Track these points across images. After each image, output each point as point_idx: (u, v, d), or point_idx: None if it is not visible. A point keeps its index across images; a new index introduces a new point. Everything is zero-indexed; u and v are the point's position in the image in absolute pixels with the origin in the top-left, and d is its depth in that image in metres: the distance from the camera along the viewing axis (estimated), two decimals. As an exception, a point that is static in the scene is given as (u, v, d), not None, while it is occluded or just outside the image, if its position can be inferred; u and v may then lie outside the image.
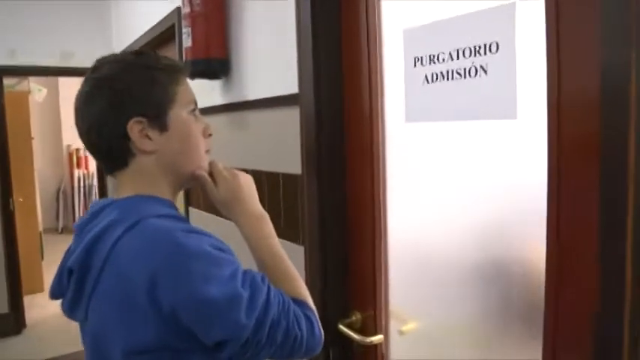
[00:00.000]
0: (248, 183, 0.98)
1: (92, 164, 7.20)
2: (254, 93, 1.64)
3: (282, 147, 1.48)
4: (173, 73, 0.90)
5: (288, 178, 1.45)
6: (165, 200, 0.89)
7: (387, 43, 1.20)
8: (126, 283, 0.76)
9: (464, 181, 1.06)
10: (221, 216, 1.00)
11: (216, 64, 1.73)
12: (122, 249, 0.78)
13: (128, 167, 0.88)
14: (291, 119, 1.41)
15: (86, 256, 0.82)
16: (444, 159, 1.09)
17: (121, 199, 0.88)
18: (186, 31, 1.72)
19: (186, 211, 2.24)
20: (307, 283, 1.36)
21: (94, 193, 7.19)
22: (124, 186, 0.90)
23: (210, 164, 0.97)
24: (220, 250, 0.79)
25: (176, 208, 0.91)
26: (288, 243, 1.43)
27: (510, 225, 0.97)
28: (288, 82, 1.41)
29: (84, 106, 0.88)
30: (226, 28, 1.75)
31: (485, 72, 0.97)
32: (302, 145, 1.35)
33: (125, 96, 0.86)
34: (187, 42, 1.71)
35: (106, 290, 0.80)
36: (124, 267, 0.77)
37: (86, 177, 7.59)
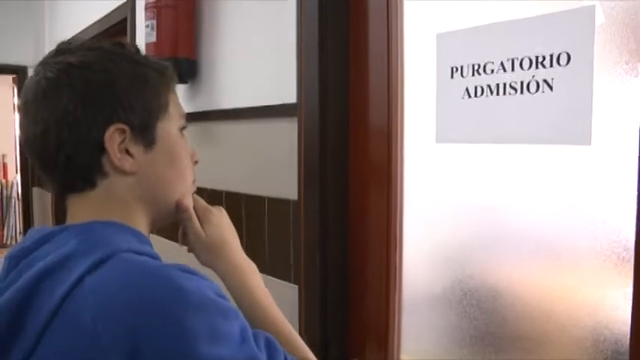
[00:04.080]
0: (230, 222, 0.80)
1: (12, 171, 6.48)
2: (230, 101, 1.41)
3: (268, 166, 1.26)
4: (165, 76, 0.70)
5: (277, 203, 1.23)
6: (140, 234, 0.66)
7: (412, 48, 1.02)
8: (89, 344, 0.52)
9: (506, 215, 0.90)
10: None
11: (184, 64, 1.49)
12: (85, 294, 0.54)
13: (94, 190, 0.65)
14: (282, 133, 1.20)
15: (24, 300, 0.57)
16: (483, 188, 0.92)
17: (81, 224, 0.63)
18: (149, 23, 1.47)
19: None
20: (302, 330, 1.15)
21: (14, 206, 6.47)
22: (81, 213, 0.65)
23: (193, 198, 0.76)
24: (222, 297, 0.59)
25: (150, 244, 0.68)
26: (276, 281, 1.21)
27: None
28: (280, 90, 1.20)
29: (41, 99, 0.64)
30: (196, 24, 1.51)
31: (551, 88, 0.81)
32: (300, 165, 1.13)
33: (107, 92, 0.64)
34: (151, 37, 1.46)
35: (55, 354, 0.54)
36: (87, 320, 0.53)
37: (4, 187, 6.84)
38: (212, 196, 1.43)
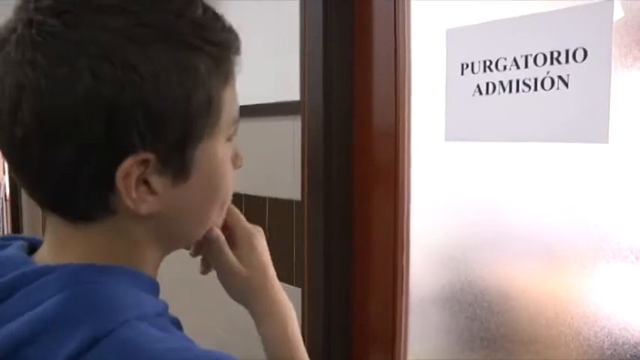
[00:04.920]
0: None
1: (-2, 173, 6.38)
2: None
3: (271, 165, 1.23)
4: (226, 55, 0.47)
5: (278, 203, 1.20)
6: (145, 277, 0.48)
7: (419, 45, 1.00)
8: None
9: (520, 218, 0.88)
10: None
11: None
12: None
13: (94, 224, 0.45)
14: (285, 132, 1.17)
15: None
16: (494, 188, 0.90)
17: (70, 268, 0.43)
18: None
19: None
20: (305, 334, 1.12)
21: (1, 209, 6.34)
22: (76, 245, 0.46)
23: (230, 214, 0.59)
24: None
25: (158, 291, 0.50)
26: (278, 283, 1.18)
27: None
28: (282, 88, 1.17)
29: (29, 88, 0.40)
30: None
31: (566, 84, 0.79)
32: (304, 165, 1.10)
33: (126, 104, 0.40)
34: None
35: None
36: None
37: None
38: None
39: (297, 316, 1.12)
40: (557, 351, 0.83)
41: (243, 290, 0.60)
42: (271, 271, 0.62)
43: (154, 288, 0.49)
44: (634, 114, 0.74)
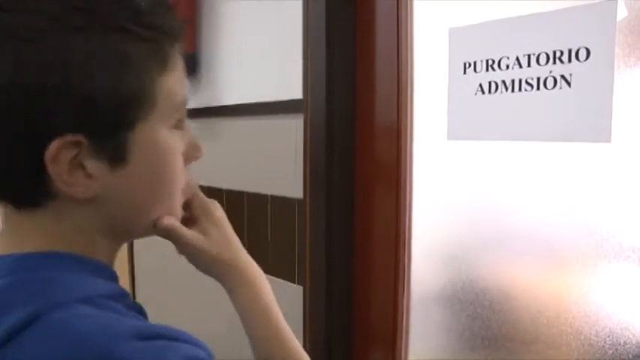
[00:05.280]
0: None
1: None
2: (232, 97, 1.38)
3: (272, 164, 1.23)
4: (164, 40, 0.47)
5: (280, 201, 1.20)
6: (99, 264, 0.49)
7: (422, 44, 1.00)
8: None
9: (522, 216, 0.88)
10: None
11: (183, 58, 1.45)
12: None
13: (39, 210, 0.46)
14: (287, 130, 1.17)
15: None
16: (496, 187, 0.90)
17: (20, 255, 0.45)
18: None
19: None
20: (306, 331, 1.12)
21: None
22: (25, 232, 0.47)
23: (195, 198, 0.61)
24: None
25: (116, 277, 0.51)
26: (279, 281, 1.18)
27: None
28: (285, 87, 1.17)
29: None
30: (198, 17, 1.48)
31: (569, 84, 0.78)
32: (305, 164, 1.10)
33: (56, 77, 0.41)
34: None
35: None
36: None
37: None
38: (212, 195, 1.40)
39: (299, 314, 1.13)
40: (558, 350, 0.83)
41: (209, 265, 0.60)
42: (234, 242, 0.61)
43: (105, 272, 0.49)
44: (637, 113, 0.74)
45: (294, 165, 1.14)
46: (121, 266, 1.91)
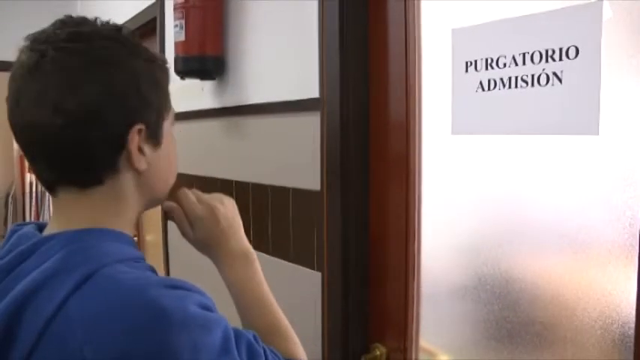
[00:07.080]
0: (229, 215, 0.79)
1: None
2: (256, 96, 1.47)
3: (293, 158, 1.32)
4: (166, 70, 0.70)
5: (301, 194, 1.29)
6: (124, 235, 0.66)
7: (428, 44, 1.06)
8: None
9: (521, 205, 0.94)
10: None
11: (211, 62, 1.55)
12: (71, 317, 0.55)
13: (99, 187, 0.64)
14: (306, 127, 1.25)
15: (12, 321, 0.56)
16: (497, 179, 0.96)
17: (67, 232, 0.62)
18: (178, 23, 1.53)
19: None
20: (325, 315, 1.21)
21: (47, 199, 6.72)
22: (76, 211, 0.64)
23: (180, 196, 0.78)
24: (207, 308, 0.60)
25: (136, 244, 0.69)
26: (300, 268, 1.27)
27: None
28: (303, 86, 1.26)
29: (63, 86, 0.59)
30: (223, 23, 1.58)
31: (560, 80, 0.84)
32: (322, 158, 1.19)
33: (132, 89, 0.62)
34: (180, 36, 1.53)
35: None
36: (73, 345, 0.54)
37: (39, 182, 7.11)
38: (238, 188, 1.50)
39: (318, 298, 1.21)
40: (554, 331, 0.89)
41: (198, 247, 0.80)
42: (221, 233, 0.78)
43: (130, 242, 0.67)
44: (622, 107, 0.79)
45: (312, 159, 1.23)
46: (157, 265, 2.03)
